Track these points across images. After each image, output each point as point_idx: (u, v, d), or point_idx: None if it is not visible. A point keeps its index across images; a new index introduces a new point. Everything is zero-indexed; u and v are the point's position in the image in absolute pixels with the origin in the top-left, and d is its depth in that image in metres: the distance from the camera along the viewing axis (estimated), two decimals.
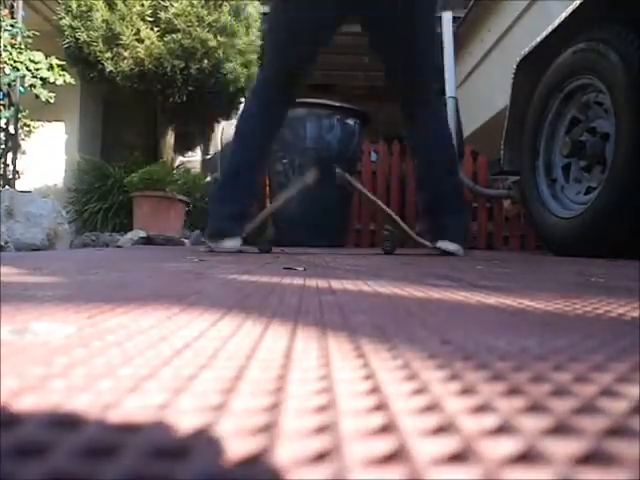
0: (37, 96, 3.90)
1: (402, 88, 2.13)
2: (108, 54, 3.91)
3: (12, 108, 4.00)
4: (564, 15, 1.98)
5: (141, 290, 0.62)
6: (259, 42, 4.29)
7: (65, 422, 0.19)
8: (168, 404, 0.21)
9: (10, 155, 4.13)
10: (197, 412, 0.20)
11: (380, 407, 0.21)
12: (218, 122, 4.87)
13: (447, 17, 3.42)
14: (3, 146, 4.06)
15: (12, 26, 3.92)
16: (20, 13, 4.17)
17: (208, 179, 4.79)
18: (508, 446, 0.17)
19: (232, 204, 2.00)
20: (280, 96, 2.05)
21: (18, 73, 3.82)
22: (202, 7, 3.95)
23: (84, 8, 3.96)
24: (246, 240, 2.04)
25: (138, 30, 3.89)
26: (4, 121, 4.00)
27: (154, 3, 3.96)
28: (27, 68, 3.86)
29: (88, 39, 3.91)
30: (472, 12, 3.12)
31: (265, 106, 2.05)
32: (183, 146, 4.83)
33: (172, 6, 3.92)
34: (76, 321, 0.39)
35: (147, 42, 3.88)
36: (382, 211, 2.33)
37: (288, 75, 2.04)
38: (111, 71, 3.92)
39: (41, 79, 3.90)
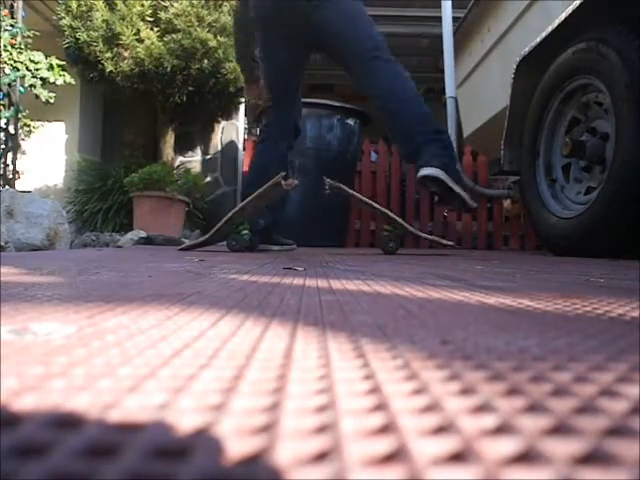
0: (37, 96, 3.90)
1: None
2: (108, 54, 3.91)
3: (12, 108, 4.00)
4: (564, 15, 1.98)
5: (141, 290, 0.62)
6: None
7: (65, 422, 0.19)
8: (168, 404, 0.21)
9: (10, 155, 4.13)
10: (197, 412, 0.20)
11: (380, 407, 0.21)
12: (218, 122, 4.87)
13: (447, 17, 3.42)
14: (3, 146, 4.06)
15: (12, 26, 3.92)
16: (20, 13, 4.16)
17: (208, 179, 4.79)
18: (508, 446, 0.17)
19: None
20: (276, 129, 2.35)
21: (18, 73, 3.82)
22: (202, 7, 3.95)
23: (84, 8, 3.96)
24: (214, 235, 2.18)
25: (138, 30, 3.89)
26: (4, 121, 4.00)
27: (154, 3, 3.96)
28: (27, 68, 3.86)
29: (88, 39, 3.91)
30: (472, 12, 3.13)
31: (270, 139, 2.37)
32: (183, 146, 4.83)
33: (172, 6, 3.92)
34: (76, 321, 0.39)
35: (147, 42, 3.87)
36: (380, 212, 2.32)
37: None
38: (111, 71, 3.92)
39: (41, 79, 3.90)
